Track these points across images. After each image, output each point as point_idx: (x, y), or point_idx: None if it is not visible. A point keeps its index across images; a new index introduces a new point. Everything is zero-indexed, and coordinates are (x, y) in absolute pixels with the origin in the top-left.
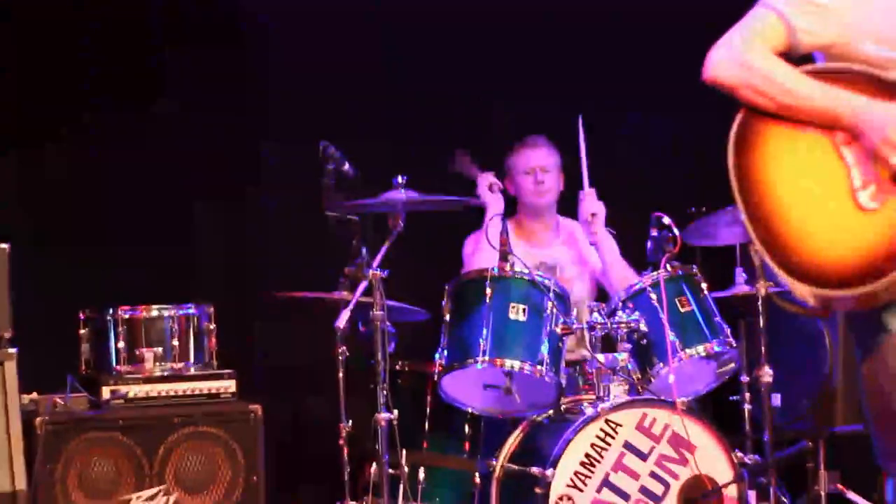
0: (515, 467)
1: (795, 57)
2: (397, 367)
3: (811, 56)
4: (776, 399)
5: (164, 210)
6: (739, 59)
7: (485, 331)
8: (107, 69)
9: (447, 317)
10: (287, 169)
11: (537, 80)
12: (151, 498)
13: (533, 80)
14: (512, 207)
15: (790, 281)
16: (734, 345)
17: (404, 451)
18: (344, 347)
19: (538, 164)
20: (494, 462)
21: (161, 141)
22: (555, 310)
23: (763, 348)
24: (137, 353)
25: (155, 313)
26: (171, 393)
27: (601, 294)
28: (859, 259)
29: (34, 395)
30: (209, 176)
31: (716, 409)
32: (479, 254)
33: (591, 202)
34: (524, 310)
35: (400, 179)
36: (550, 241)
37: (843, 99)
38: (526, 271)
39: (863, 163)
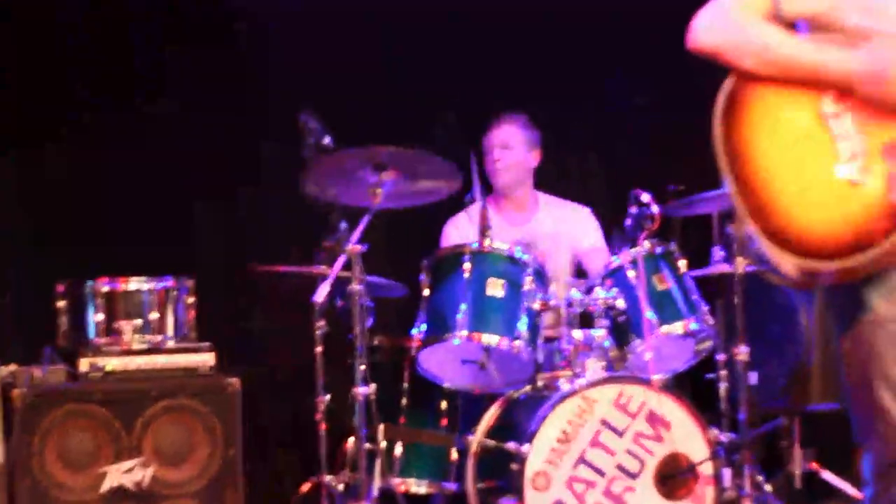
0: (492, 443)
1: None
2: (375, 342)
3: (793, 26)
4: (752, 377)
5: (163, 209)
6: (724, 22)
7: (463, 306)
8: (106, 69)
9: (425, 291)
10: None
11: (532, 79)
12: (129, 470)
13: (528, 79)
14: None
15: (776, 252)
16: (711, 322)
17: (382, 426)
18: (322, 322)
19: (497, 141)
20: (471, 437)
21: (161, 141)
22: (533, 285)
23: (740, 326)
24: (116, 325)
25: (133, 286)
26: (150, 366)
27: (580, 270)
28: (845, 232)
29: (12, 367)
30: (209, 176)
31: (692, 386)
32: (456, 232)
33: None
34: (502, 285)
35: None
36: (527, 218)
37: (831, 52)
38: (505, 247)
39: (849, 135)
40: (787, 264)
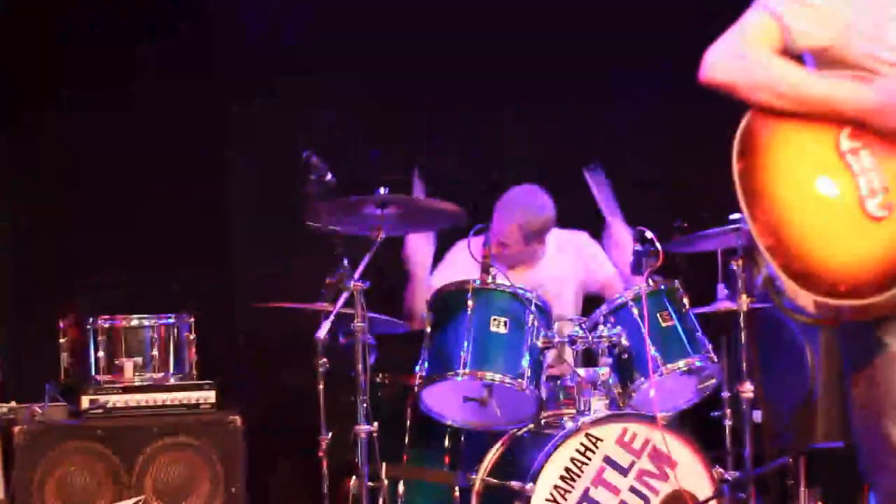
0: (495, 481)
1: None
2: (377, 380)
3: (800, 58)
4: (757, 415)
5: (164, 245)
6: (736, 56)
7: (466, 343)
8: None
9: (428, 328)
10: (269, 179)
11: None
12: None
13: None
14: None
15: (795, 289)
16: (715, 360)
17: (384, 464)
18: (324, 359)
19: (498, 236)
20: (474, 476)
21: (142, 146)
22: (536, 323)
23: (744, 364)
24: (117, 362)
25: (135, 323)
26: (151, 403)
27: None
28: (867, 269)
29: (12, 403)
30: (210, 211)
31: (696, 424)
32: (454, 266)
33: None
34: (505, 322)
35: (382, 191)
36: (530, 265)
37: (844, 86)
38: (507, 284)
39: (870, 170)
40: (807, 302)
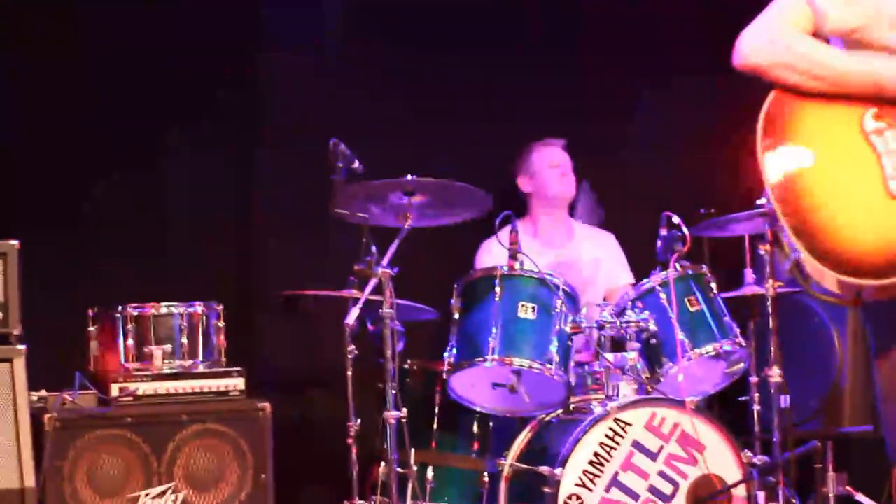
0: (524, 466)
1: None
2: (406, 366)
3: (828, 41)
4: (784, 400)
5: (191, 235)
6: (771, 38)
7: (494, 329)
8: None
9: (456, 315)
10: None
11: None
12: (160, 495)
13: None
14: (523, 208)
15: (819, 269)
16: (743, 344)
17: (413, 450)
18: (353, 346)
19: (560, 160)
20: (503, 461)
21: (183, 165)
22: (564, 308)
23: (772, 348)
24: (146, 350)
25: (164, 311)
26: (180, 390)
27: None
28: (890, 248)
29: (42, 392)
30: (236, 200)
31: (724, 409)
32: (489, 256)
33: None
34: (533, 308)
35: (409, 177)
36: (562, 243)
37: (882, 66)
38: (535, 270)
39: (893, 152)
40: (831, 282)
